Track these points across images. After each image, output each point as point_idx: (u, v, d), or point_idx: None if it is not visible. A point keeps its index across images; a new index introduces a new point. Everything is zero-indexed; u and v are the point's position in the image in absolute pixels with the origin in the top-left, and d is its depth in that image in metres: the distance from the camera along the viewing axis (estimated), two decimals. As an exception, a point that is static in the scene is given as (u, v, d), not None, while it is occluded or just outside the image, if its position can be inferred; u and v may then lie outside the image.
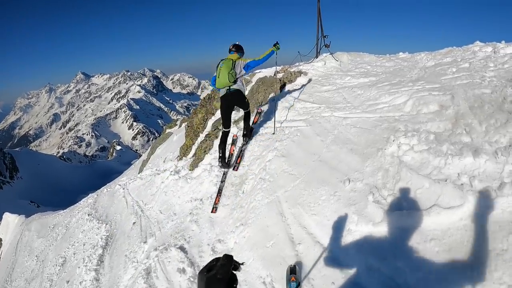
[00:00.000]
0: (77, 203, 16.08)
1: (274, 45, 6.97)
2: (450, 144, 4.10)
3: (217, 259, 1.32)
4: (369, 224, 3.76)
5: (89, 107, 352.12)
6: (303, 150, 6.22)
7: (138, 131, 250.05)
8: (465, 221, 3.11)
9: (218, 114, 11.29)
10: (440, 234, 3.15)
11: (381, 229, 3.61)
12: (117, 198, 11.15)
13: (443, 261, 2.93)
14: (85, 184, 76.46)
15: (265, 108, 9.12)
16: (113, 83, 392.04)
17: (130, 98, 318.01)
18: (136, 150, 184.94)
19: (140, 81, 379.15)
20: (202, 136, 10.91)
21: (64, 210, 16.27)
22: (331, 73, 10.47)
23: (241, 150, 7.58)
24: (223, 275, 1.25)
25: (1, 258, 16.68)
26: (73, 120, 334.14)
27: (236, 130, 8.58)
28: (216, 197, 6.76)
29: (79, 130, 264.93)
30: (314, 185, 5.10)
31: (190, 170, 8.86)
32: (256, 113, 8.77)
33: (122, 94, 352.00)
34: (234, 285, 1.30)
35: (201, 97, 14.22)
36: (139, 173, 13.58)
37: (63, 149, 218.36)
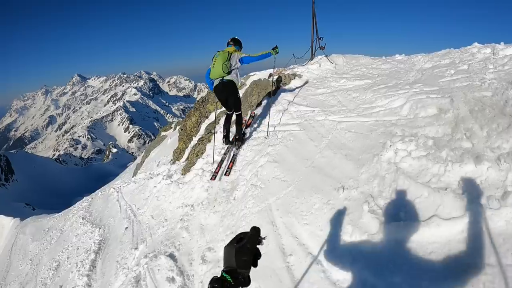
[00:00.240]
0: (72, 206, 15.84)
1: (273, 48, 6.94)
2: (450, 150, 3.92)
3: (244, 233, 1.42)
4: (364, 236, 3.54)
5: (85, 110, 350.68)
6: (296, 156, 6.02)
7: (134, 133, 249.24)
8: (466, 233, 2.92)
9: (211, 117, 11.17)
10: (440, 247, 2.95)
11: (377, 241, 3.40)
12: (111, 202, 10.98)
13: (443, 277, 2.73)
14: (81, 186, 76.01)
15: (258, 111, 8.98)
16: (109, 86, 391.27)
17: (126, 101, 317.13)
18: (132, 152, 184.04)
19: (137, 83, 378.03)
20: (195, 140, 10.70)
21: (59, 213, 15.98)
22: (326, 75, 10.32)
23: (233, 155, 7.39)
24: (252, 245, 1.36)
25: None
26: (69, 123, 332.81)
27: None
28: (217, 167, 7.11)
29: (75, 132, 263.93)
30: (306, 192, 4.89)
31: (182, 174, 8.70)
32: (250, 116, 8.65)
33: (118, 96, 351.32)
34: (258, 258, 1.38)
35: (197, 100, 14.11)
36: (133, 177, 13.52)
37: (59, 151, 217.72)
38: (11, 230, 18.60)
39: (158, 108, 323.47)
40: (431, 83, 6.44)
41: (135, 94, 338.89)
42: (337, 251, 3.67)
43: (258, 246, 1.40)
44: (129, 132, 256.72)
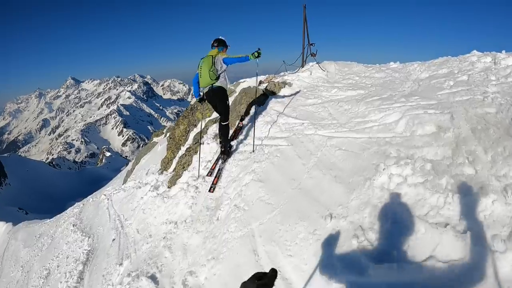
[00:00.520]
0: (63, 212, 15.83)
1: (254, 52, 6.52)
2: (450, 177, 3.53)
3: (264, 273, 1.53)
4: (353, 274, 3.16)
5: (79, 113, 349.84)
6: (282, 175, 5.62)
7: (128, 137, 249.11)
8: (467, 279, 2.59)
9: (200, 126, 10.84)
10: (437, 295, 2.61)
11: (366, 283, 3.01)
12: (101, 210, 10.95)
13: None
14: (74, 190, 75.73)
15: (246, 121, 8.64)
16: (103, 89, 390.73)
17: (120, 104, 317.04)
18: (126, 156, 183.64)
19: (131, 87, 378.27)
20: (183, 150, 10.47)
21: (51, 219, 16.00)
22: (317, 84, 9.96)
23: (219, 170, 7.09)
24: (271, 285, 1.49)
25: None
26: (63, 126, 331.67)
27: (216, 146, 8.21)
28: (215, 178, 6.87)
29: (69, 136, 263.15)
30: (292, 219, 4.51)
31: (168, 187, 8.49)
32: (237, 127, 8.38)
33: (112, 100, 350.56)
34: None
35: (191, 103, 13.82)
36: (123, 184, 13.27)
37: (52, 155, 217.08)
38: (3, 235, 18.65)
39: (152, 112, 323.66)
40: (428, 96, 6.01)
41: (129, 98, 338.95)
42: (323, 290, 3.30)
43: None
44: (123, 136, 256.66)
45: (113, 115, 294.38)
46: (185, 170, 8.39)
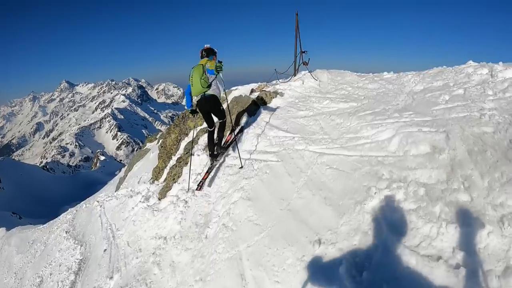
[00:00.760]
0: (56, 218, 15.74)
1: (217, 67, 6.30)
2: (445, 204, 3.37)
3: None
4: None
5: (73, 116, 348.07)
6: (271, 193, 5.47)
7: (123, 141, 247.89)
8: None
9: (191, 135, 10.72)
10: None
11: None
12: (94, 217, 11.00)
13: None
14: (69, 195, 75.27)
15: (237, 132, 8.51)
16: (98, 92, 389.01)
17: (115, 108, 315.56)
18: (121, 160, 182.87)
19: (125, 90, 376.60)
20: (174, 159, 10.41)
21: (44, 225, 15.91)
22: (309, 94, 9.80)
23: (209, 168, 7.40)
24: None
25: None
26: (57, 130, 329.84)
27: (206, 158, 8.17)
28: (205, 175, 7.16)
29: (63, 139, 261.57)
30: (280, 242, 4.39)
31: (158, 199, 8.47)
32: (227, 138, 8.33)
33: (107, 103, 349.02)
34: None
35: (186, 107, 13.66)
36: (116, 191, 13.33)
37: (46, 159, 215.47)
38: (-3, 240, 18.36)
39: (147, 116, 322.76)
40: (423, 111, 5.80)
41: (124, 101, 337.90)
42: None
43: None
44: (117, 140, 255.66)
45: (107, 119, 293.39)
46: (175, 182, 8.36)
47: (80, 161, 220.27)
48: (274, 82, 12.40)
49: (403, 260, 3.07)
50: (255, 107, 9.56)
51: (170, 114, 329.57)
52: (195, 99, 6.99)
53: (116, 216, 9.64)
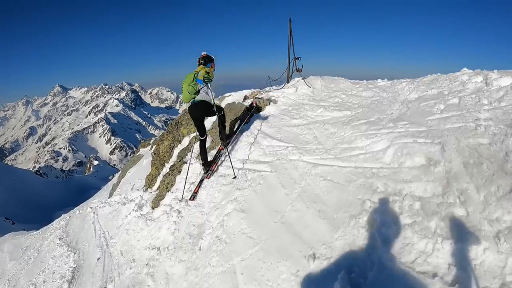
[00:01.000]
0: (50, 224, 15.51)
1: (205, 79, 6.44)
2: (440, 219, 3.32)
3: None
4: None
5: (66, 121, 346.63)
6: (265, 205, 5.38)
7: (116, 145, 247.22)
8: None
9: (185, 142, 10.63)
10: None
11: None
12: (87, 223, 10.84)
13: None
14: (62, 200, 74.81)
15: (230, 140, 8.39)
16: (91, 97, 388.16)
17: (108, 112, 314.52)
18: (114, 165, 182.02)
19: (118, 94, 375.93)
20: (167, 167, 10.34)
21: (37, 231, 15.70)
22: (303, 102, 9.77)
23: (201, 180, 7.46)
24: None
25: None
26: (50, 134, 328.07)
27: (199, 166, 8.04)
28: (196, 187, 7.20)
29: (56, 144, 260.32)
30: (274, 256, 4.31)
31: (152, 207, 8.38)
32: (221, 147, 8.28)
33: (100, 107, 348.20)
34: None
35: (180, 112, 13.66)
36: (109, 198, 13.30)
37: (39, 163, 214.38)
38: (-11, 246, 18.21)
39: (140, 120, 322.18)
40: (418, 121, 5.78)
41: (117, 106, 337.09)
42: None
43: None
44: (110, 144, 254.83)
45: (100, 123, 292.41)
46: (168, 191, 8.25)
47: (73, 165, 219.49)
48: (267, 88, 12.37)
49: (398, 276, 3.03)
50: (249, 114, 9.51)
51: (163, 119, 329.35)
52: (185, 106, 7.10)
53: (109, 223, 9.54)
